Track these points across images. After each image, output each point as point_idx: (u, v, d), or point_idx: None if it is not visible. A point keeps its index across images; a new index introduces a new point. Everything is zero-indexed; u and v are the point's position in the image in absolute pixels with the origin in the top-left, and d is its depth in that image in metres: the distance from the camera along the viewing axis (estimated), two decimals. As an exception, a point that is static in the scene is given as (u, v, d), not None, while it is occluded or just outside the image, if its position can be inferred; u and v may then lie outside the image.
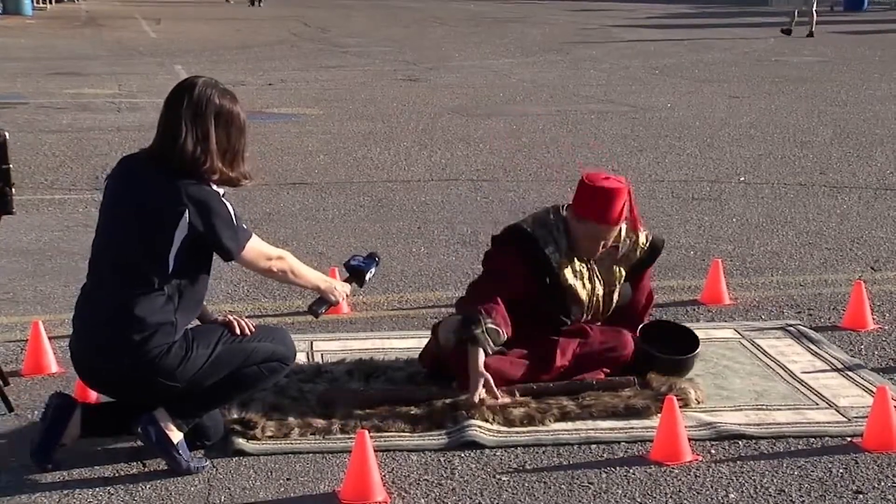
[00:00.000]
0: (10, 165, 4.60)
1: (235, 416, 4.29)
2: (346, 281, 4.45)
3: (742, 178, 9.25)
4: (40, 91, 14.37)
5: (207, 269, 4.05)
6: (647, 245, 4.84)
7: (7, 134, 4.61)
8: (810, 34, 22.11)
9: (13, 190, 4.63)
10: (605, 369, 4.69)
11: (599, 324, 4.81)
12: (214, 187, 3.96)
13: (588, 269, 4.73)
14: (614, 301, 4.80)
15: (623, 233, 4.75)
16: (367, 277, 4.50)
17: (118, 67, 16.87)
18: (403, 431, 4.29)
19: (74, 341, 4.06)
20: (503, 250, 4.68)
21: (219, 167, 3.96)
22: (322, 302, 4.30)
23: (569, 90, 14.65)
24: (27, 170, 9.24)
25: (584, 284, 4.70)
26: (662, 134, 11.33)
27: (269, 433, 4.23)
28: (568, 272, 4.65)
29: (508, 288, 4.55)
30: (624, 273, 4.80)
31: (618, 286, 4.79)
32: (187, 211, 3.86)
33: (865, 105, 13.36)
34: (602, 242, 4.65)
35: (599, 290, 4.75)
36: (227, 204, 3.96)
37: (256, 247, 4.05)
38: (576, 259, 4.68)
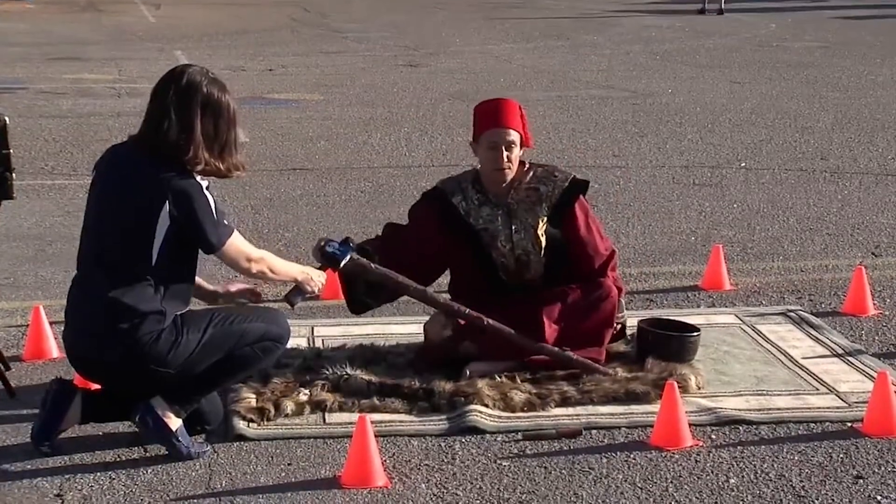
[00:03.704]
0: (11, 150, 4.60)
1: (244, 403, 4.31)
2: (320, 268, 4.43)
3: (743, 164, 9.24)
4: (40, 76, 14.34)
5: (193, 263, 4.03)
6: (568, 182, 4.80)
7: (7, 119, 4.61)
8: (720, 11, 22.79)
9: (13, 175, 4.63)
10: (604, 348, 4.70)
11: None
12: (199, 178, 3.93)
13: (502, 212, 4.74)
14: (542, 242, 4.74)
15: (540, 171, 4.81)
16: (343, 264, 4.49)
17: (118, 52, 16.83)
18: (399, 411, 4.31)
19: (68, 333, 4.07)
20: (417, 206, 4.91)
21: (204, 157, 3.93)
22: (298, 292, 4.28)
23: (569, 76, 14.62)
24: (27, 155, 9.22)
25: (499, 227, 4.73)
26: (663, 119, 11.31)
27: (257, 404, 4.26)
28: (477, 217, 4.75)
29: (421, 239, 4.74)
30: (546, 215, 4.75)
31: (541, 226, 4.74)
32: (167, 202, 3.84)
33: (867, 90, 13.33)
34: (502, 150, 4.67)
35: (521, 233, 4.73)
36: (209, 197, 3.93)
37: (238, 244, 4.01)
38: (486, 207, 4.75)
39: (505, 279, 4.78)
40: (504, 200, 4.76)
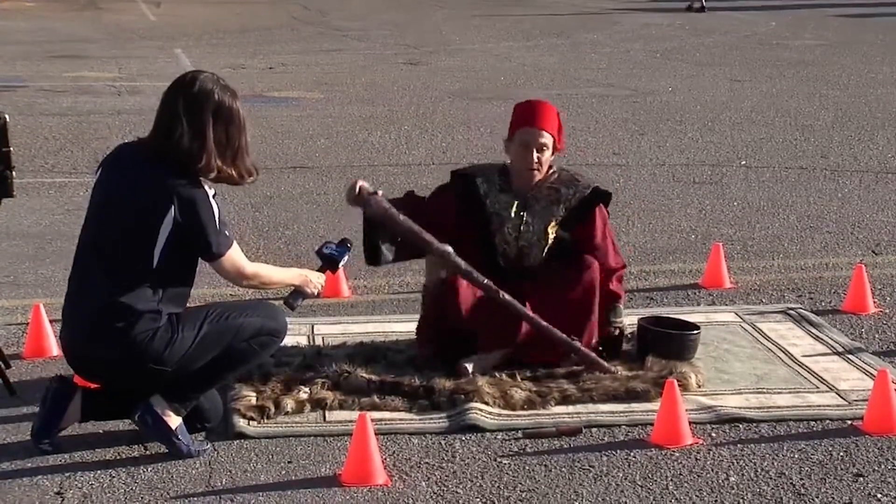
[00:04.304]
0: (11, 148, 4.60)
1: (244, 401, 4.32)
2: (319, 269, 4.42)
3: (743, 162, 9.24)
4: (40, 74, 14.33)
5: (193, 267, 4.03)
6: (589, 190, 4.84)
7: (7, 117, 4.61)
8: (702, 8, 23.11)
9: (13, 173, 4.64)
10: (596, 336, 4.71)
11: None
12: (206, 187, 3.94)
13: (518, 203, 4.78)
14: (549, 239, 4.76)
15: (565, 175, 4.86)
16: (340, 265, 4.49)
17: (118, 51, 16.83)
18: (399, 409, 4.32)
19: (65, 332, 4.06)
20: (440, 187, 5.00)
21: (217, 164, 3.93)
22: (298, 295, 4.27)
23: (569, 74, 14.62)
24: (27, 153, 9.22)
25: (510, 215, 4.77)
26: (663, 118, 11.31)
27: (257, 402, 4.27)
28: (494, 202, 4.80)
29: (435, 210, 4.78)
30: (560, 216, 4.78)
31: (552, 225, 4.77)
32: (173, 207, 3.85)
33: (867, 88, 13.33)
34: (533, 151, 4.73)
35: (531, 226, 4.76)
36: (215, 206, 3.93)
37: (235, 257, 4.01)
38: (504, 195, 4.80)
39: (503, 265, 4.79)
40: (524, 194, 4.80)
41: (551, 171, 4.86)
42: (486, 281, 4.58)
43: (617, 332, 4.83)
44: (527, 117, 4.82)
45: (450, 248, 4.61)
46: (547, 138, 4.76)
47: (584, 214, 4.80)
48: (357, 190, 4.55)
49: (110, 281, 3.89)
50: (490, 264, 4.79)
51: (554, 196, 4.80)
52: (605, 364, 4.61)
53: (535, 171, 4.77)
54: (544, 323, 4.57)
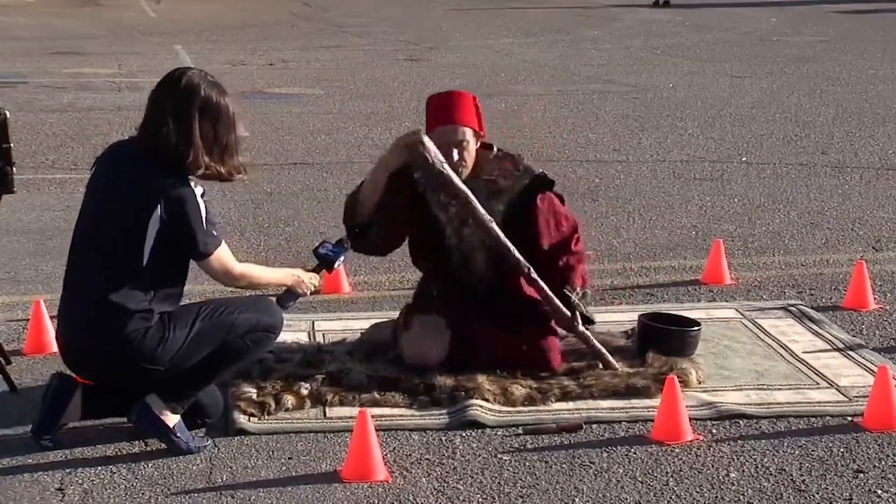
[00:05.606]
0: (11, 144, 4.60)
1: (245, 397, 4.32)
2: (315, 269, 4.41)
3: (744, 158, 9.23)
4: (40, 70, 14.33)
5: (184, 267, 4.02)
6: (530, 178, 4.58)
7: (8, 113, 4.61)
8: (666, 3, 23.44)
9: (14, 169, 4.64)
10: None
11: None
12: (194, 185, 3.93)
13: (456, 203, 4.49)
14: (491, 231, 4.49)
15: (505, 163, 4.59)
16: (336, 265, 4.48)
17: (118, 47, 16.83)
18: (399, 405, 4.32)
19: (62, 327, 4.05)
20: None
21: (205, 161, 3.92)
22: (290, 295, 4.27)
23: (570, 70, 14.61)
24: (28, 149, 9.22)
25: (451, 217, 4.53)
26: (664, 114, 11.30)
27: (257, 398, 4.27)
28: (433, 200, 4.53)
29: (392, 204, 4.51)
30: (500, 210, 4.53)
31: (495, 222, 4.50)
32: (159, 205, 3.84)
33: (867, 85, 13.32)
34: (453, 147, 4.44)
35: (472, 228, 4.52)
36: (202, 205, 3.92)
37: (223, 257, 4.00)
38: (443, 193, 4.49)
39: (453, 270, 4.64)
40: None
41: (491, 153, 4.61)
42: (519, 256, 4.49)
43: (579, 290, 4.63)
44: (442, 113, 4.51)
45: (492, 221, 4.45)
46: (466, 132, 4.48)
47: (527, 208, 4.55)
48: (422, 144, 4.32)
49: (104, 277, 3.89)
50: (440, 270, 4.66)
51: (493, 188, 4.56)
52: (611, 359, 4.60)
53: (460, 169, 4.49)
54: (564, 309, 4.53)
